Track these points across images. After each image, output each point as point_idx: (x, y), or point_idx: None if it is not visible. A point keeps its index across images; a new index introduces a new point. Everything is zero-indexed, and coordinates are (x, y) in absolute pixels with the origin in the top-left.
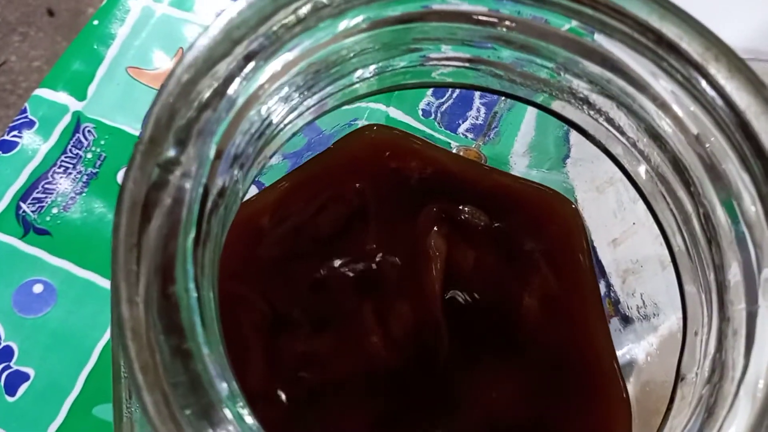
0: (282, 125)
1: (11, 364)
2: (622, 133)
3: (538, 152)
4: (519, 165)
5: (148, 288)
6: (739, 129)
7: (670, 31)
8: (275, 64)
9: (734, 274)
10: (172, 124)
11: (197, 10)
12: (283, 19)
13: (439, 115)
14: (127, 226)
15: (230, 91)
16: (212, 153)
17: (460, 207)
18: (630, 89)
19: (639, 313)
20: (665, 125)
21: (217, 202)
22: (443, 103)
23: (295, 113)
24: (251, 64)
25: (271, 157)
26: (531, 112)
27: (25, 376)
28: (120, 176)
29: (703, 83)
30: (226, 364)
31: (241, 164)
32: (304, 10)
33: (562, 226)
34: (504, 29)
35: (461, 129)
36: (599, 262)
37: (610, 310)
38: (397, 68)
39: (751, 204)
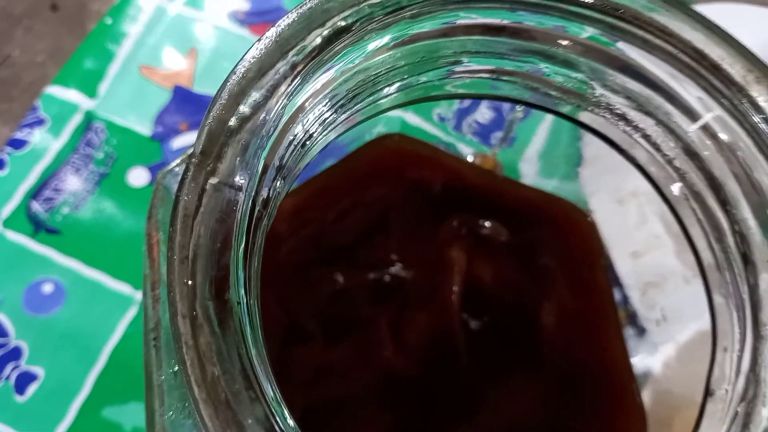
0: (319, 137)
1: (21, 363)
2: (658, 150)
3: (551, 161)
4: (533, 174)
5: (202, 298)
6: None
7: (713, 51)
8: (319, 79)
9: None
10: (222, 138)
11: (208, 8)
12: (327, 30)
13: (453, 119)
14: (180, 237)
15: (278, 104)
16: (261, 166)
17: (481, 222)
18: (669, 107)
19: (658, 326)
20: (704, 145)
21: (261, 213)
22: (458, 108)
23: (330, 126)
24: (297, 79)
25: (304, 168)
26: (546, 121)
27: (34, 376)
28: (131, 176)
29: (745, 104)
30: (269, 367)
31: (284, 176)
32: (347, 22)
33: (580, 240)
34: (535, 43)
35: (475, 134)
36: (614, 273)
37: (623, 319)
38: (424, 82)
39: None
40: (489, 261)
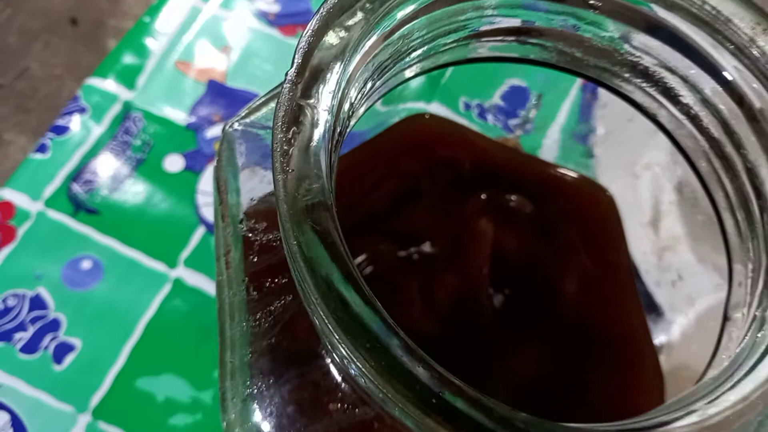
0: (363, 100)
1: (59, 334)
2: (679, 105)
3: (568, 143)
4: (552, 154)
5: (298, 165)
6: None
7: (726, 8)
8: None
9: None
10: (310, 63)
11: (239, 10)
12: None
13: (477, 108)
14: (282, 127)
15: (349, 49)
16: (339, 96)
17: (507, 196)
18: (687, 62)
19: (674, 287)
20: (721, 96)
21: (337, 138)
22: (484, 100)
23: (368, 94)
24: (367, 27)
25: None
26: (567, 103)
27: (72, 347)
28: (166, 162)
29: (755, 53)
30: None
31: (349, 114)
32: None
33: (599, 213)
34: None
35: (497, 121)
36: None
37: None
38: (449, 44)
39: None
40: (514, 231)
